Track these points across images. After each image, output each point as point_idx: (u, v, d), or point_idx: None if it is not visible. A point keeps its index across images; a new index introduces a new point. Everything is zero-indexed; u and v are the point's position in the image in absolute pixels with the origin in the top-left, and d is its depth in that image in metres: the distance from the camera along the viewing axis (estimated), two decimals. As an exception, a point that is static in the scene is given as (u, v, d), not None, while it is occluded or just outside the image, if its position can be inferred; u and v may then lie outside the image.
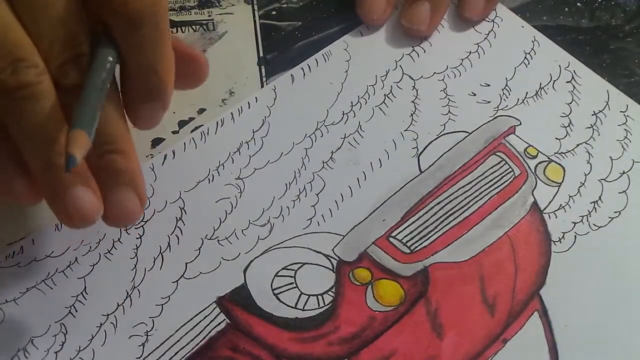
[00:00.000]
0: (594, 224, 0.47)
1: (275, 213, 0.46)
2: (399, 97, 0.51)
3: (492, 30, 0.55)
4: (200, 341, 0.42)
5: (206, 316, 0.43)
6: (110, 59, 0.36)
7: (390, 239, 0.46)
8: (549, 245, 0.46)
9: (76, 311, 0.43)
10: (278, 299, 0.44)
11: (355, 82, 0.52)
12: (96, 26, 0.36)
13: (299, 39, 0.54)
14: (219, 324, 0.43)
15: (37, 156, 0.35)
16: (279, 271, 0.44)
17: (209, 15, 0.55)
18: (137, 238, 0.45)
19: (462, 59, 0.53)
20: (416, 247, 0.45)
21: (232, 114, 0.50)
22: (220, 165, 0.48)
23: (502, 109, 0.51)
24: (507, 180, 0.48)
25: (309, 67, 0.52)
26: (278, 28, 0.55)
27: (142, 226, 0.45)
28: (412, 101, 0.51)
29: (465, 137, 0.50)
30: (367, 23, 0.54)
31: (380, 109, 0.51)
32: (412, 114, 0.51)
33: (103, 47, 0.36)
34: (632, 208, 0.47)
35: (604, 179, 0.48)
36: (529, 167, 0.49)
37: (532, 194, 0.48)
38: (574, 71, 0.53)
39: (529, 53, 0.54)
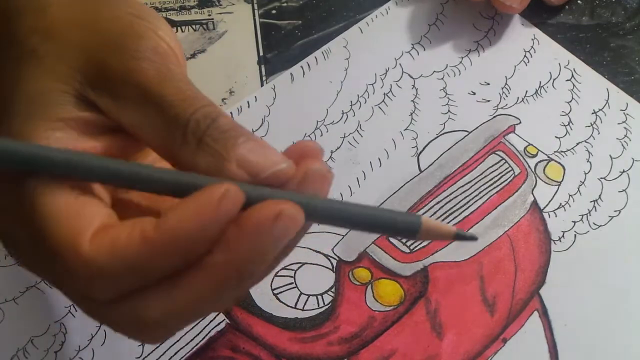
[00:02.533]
0: (593, 223, 0.47)
1: (274, 212, 0.46)
2: (398, 96, 0.51)
3: (491, 28, 0.55)
4: (200, 341, 0.42)
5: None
6: None
7: (390, 239, 0.46)
8: (549, 245, 0.46)
9: (76, 310, 0.43)
10: (278, 299, 0.44)
11: (355, 81, 0.52)
12: None
13: (299, 38, 0.54)
14: (219, 323, 0.43)
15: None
16: (278, 271, 0.44)
17: (209, 15, 0.55)
18: (136, 238, 0.45)
19: (462, 57, 0.53)
20: (416, 247, 0.45)
21: (231, 113, 0.50)
22: (220, 165, 0.48)
23: (501, 108, 0.51)
24: (506, 179, 0.48)
25: (309, 65, 0.52)
26: (278, 27, 0.55)
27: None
28: (412, 100, 0.51)
29: (465, 136, 0.50)
30: (506, 11, 0.54)
31: (380, 108, 0.51)
32: (411, 113, 0.51)
33: None
34: (632, 207, 0.47)
35: (604, 178, 0.48)
36: (528, 166, 0.49)
37: (532, 193, 0.48)
38: (574, 69, 0.53)
39: (528, 51, 0.53)
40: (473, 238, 0.30)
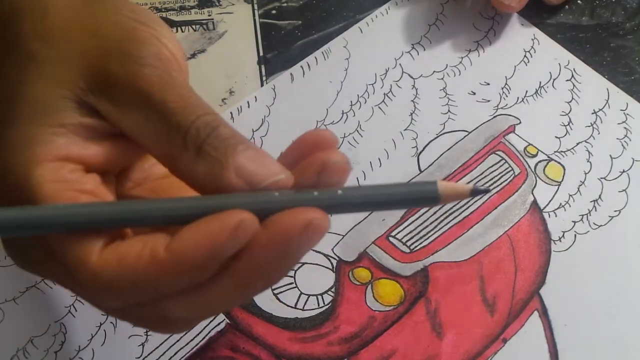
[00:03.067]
0: (594, 223, 0.47)
1: (274, 212, 0.46)
2: (398, 96, 0.51)
3: (491, 28, 0.55)
4: (200, 341, 0.42)
5: (206, 316, 0.43)
6: None
7: (390, 239, 0.46)
8: (549, 245, 0.46)
9: (76, 311, 0.43)
10: (278, 298, 0.44)
11: (355, 81, 0.52)
12: None
13: (299, 38, 0.54)
14: (219, 323, 0.43)
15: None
16: (278, 271, 0.44)
17: (209, 15, 0.55)
18: (136, 238, 0.45)
19: (462, 57, 0.53)
20: (416, 247, 0.45)
21: (231, 113, 0.50)
22: (220, 165, 0.48)
23: (501, 108, 0.51)
24: (506, 179, 0.48)
25: (309, 65, 0.52)
26: (278, 27, 0.55)
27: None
28: (412, 100, 0.51)
29: (465, 136, 0.50)
30: (505, 10, 0.54)
31: (380, 108, 0.51)
32: (411, 113, 0.51)
33: None
34: (632, 207, 0.47)
35: (604, 178, 0.48)
36: (528, 166, 0.49)
37: (532, 193, 0.48)
38: (574, 69, 0.53)
39: (528, 51, 0.53)
40: (487, 191, 0.30)
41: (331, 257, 0.45)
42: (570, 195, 0.48)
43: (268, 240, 0.26)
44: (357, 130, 0.50)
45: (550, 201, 0.47)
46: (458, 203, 0.47)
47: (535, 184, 0.48)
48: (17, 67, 0.30)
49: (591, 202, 0.47)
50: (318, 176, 0.28)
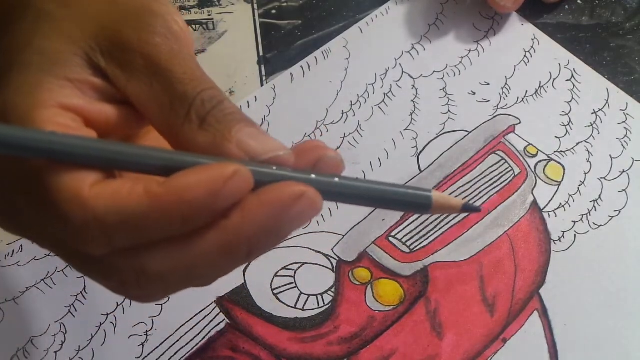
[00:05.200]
0: (593, 223, 0.47)
1: (274, 212, 0.46)
2: (398, 96, 0.51)
3: (491, 28, 0.55)
4: (200, 341, 0.42)
5: (206, 316, 0.43)
6: None
7: (390, 239, 0.46)
8: (549, 244, 0.46)
9: (76, 310, 0.43)
10: (278, 299, 0.44)
11: (355, 80, 0.52)
12: None
13: (298, 38, 0.54)
14: (219, 324, 0.43)
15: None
16: (278, 271, 0.44)
17: (209, 15, 0.55)
18: (136, 238, 0.45)
19: (462, 57, 0.53)
20: (416, 247, 0.45)
21: (231, 113, 0.50)
22: (220, 165, 0.48)
23: (501, 108, 0.51)
24: (506, 179, 0.48)
25: (309, 65, 0.52)
26: (278, 27, 0.55)
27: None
28: (412, 100, 0.51)
29: (465, 136, 0.50)
30: (500, 11, 0.54)
31: (380, 108, 0.51)
32: (411, 113, 0.51)
33: None
34: (632, 207, 0.47)
35: (604, 178, 0.48)
36: (528, 165, 0.49)
37: (532, 193, 0.48)
38: (574, 69, 0.53)
39: (528, 51, 0.53)
40: (477, 209, 0.30)
41: (331, 257, 0.45)
42: (570, 195, 0.48)
43: (260, 203, 0.26)
44: (357, 130, 0.50)
45: (550, 201, 0.47)
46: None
47: (535, 184, 0.48)
48: (30, 22, 0.31)
49: (591, 202, 0.47)
50: (313, 168, 0.28)
